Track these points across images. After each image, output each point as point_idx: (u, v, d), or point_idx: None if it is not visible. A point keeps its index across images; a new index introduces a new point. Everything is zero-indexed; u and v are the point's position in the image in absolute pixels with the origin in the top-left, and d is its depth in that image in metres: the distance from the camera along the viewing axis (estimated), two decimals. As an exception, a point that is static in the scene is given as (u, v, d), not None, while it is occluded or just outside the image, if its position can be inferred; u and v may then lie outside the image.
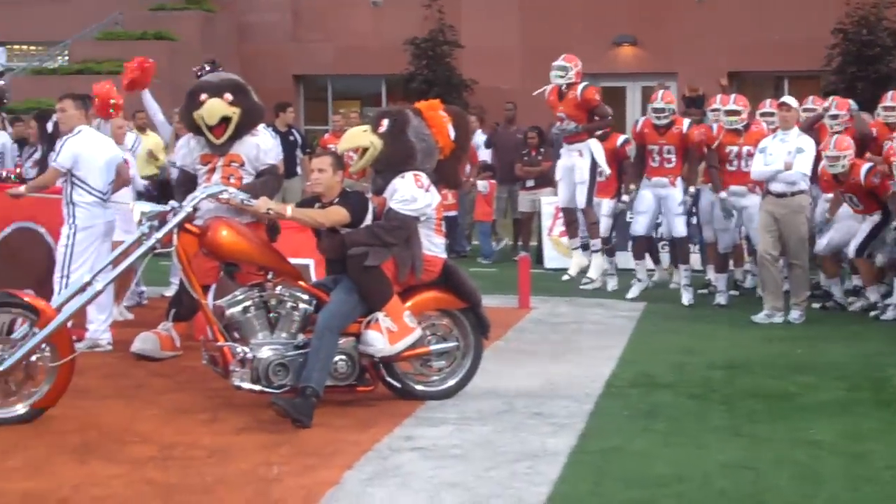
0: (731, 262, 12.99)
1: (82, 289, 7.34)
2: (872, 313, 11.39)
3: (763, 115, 12.71)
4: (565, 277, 13.44)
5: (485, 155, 17.58)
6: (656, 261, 13.75)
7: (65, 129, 9.31)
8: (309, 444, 6.60)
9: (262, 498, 5.63)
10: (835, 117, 11.90)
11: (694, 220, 13.17)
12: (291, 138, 16.49)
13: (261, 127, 9.15)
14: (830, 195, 11.78)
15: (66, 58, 28.02)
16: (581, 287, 12.53)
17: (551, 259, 15.58)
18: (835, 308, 11.90)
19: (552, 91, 12.85)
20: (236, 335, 7.40)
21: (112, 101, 10.94)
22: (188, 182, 9.00)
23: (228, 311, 7.36)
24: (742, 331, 10.76)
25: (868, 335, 10.49)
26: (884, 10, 23.33)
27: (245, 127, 8.85)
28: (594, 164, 12.69)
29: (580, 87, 12.64)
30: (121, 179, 9.54)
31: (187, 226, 7.46)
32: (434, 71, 25.29)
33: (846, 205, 11.53)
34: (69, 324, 7.33)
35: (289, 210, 7.65)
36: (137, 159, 11.77)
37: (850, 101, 12.50)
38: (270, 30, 28.73)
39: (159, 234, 7.35)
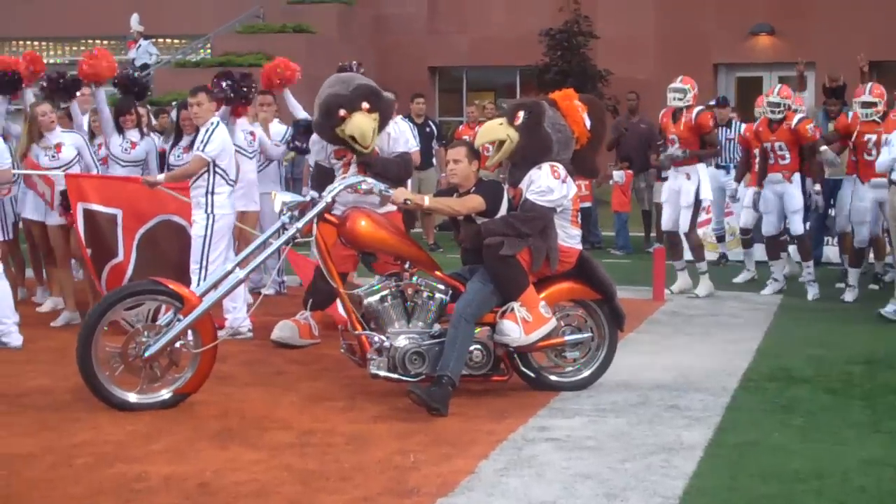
0: (870, 255, 12.75)
1: (225, 276, 7.51)
2: None
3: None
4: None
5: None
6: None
7: (200, 122, 9.49)
8: (445, 433, 6.66)
9: (398, 485, 5.70)
10: None
11: (832, 212, 12.95)
12: (427, 129, 16.61)
13: (398, 118, 9.21)
14: None
15: (209, 51, 28.55)
16: (688, 297, 12.31)
17: (687, 251, 15.41)
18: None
19: (666, 113, 12.59)
20: (373, 324, 7.49)
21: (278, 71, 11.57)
22: (323, 176, 9.12)
23: (366, 301, 7.46)
24: (882, 325, 10.53)
25: None
26: None
27: (383, 126, 8.96)
28: (698, 190, 12.42)
29: (696, 110, 12.35)
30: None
31: (326, 216, 7.57)
32: (569, 62, 25.12)
33: None
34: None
35: (426, 200, 7.70)
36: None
37: None
38: (407, 22, 28.90)
39: (300, 224, 7.46)
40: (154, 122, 12.61)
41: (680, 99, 12.27)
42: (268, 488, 5.65)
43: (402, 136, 9.29)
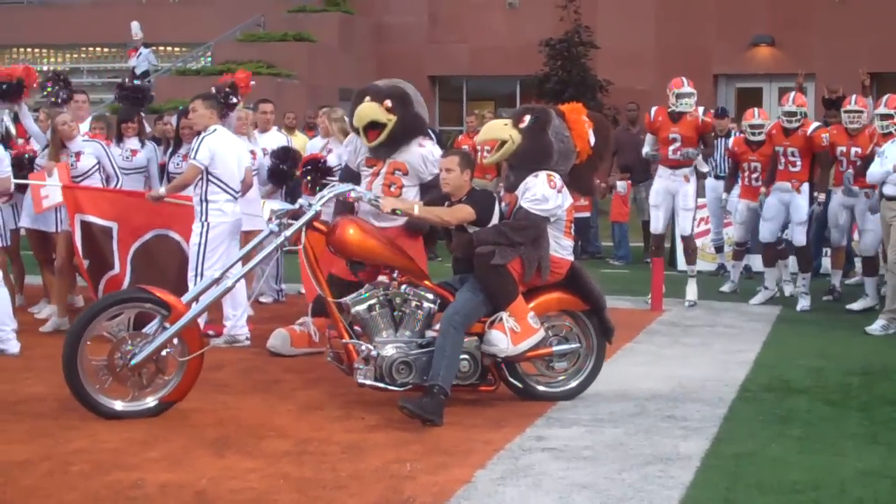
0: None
1: (212, 284, 7.51)
2: None
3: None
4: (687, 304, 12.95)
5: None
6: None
7: (197, 128, 9.51)
8: (441, 443, 6.65)
9: (394, 494, 5.69)
10: None
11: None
12: (428, 139, 16.59)
13: (430, 141, 9.06)
14: None
15: (209, 59, 28.62)
16: (686, 306, 12.29)
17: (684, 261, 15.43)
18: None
19: (660, 111, 12.43)
20: (361, 333, 7.47)
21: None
22: (351, 179, 8.92)
23: (354, 309, 7.42)
24: (880, 337, 10.53)
25: None
26: None
27: (401, 137, 8.68)
28: (696, 190, 12.41)
29: (701, 110, 12.32)
30: (245, 184, 9.72)
31: (315, 224, 7.53)
32: (569, 72, 25.20)
33: None
34: (204, 319, 7.47)
35: (416, 209, 7.64)
36: None
37: None
38: (407, 31, 28.98)
39: (288, 233, 7.44)
40: (149, 129, 12.61)
41: (690, 104, 12.20)
42: (264, 496, 5.64)
43: (434, 161, 8.74)
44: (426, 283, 7.65)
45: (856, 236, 12.95)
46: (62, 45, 32.20)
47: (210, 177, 9.31)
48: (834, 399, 7.96)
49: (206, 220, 9.32)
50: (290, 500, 5.59)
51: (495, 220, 7.64)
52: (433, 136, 10.43)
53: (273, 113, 12.38)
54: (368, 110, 8.58)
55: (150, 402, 7.25)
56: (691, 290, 12.29)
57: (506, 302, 7.43)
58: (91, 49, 32.39)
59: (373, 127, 8.61)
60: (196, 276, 9.15)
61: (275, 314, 11.03)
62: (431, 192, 8.49)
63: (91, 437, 6.72)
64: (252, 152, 10.85)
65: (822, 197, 12.44)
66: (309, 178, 10.67)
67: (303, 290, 11.08)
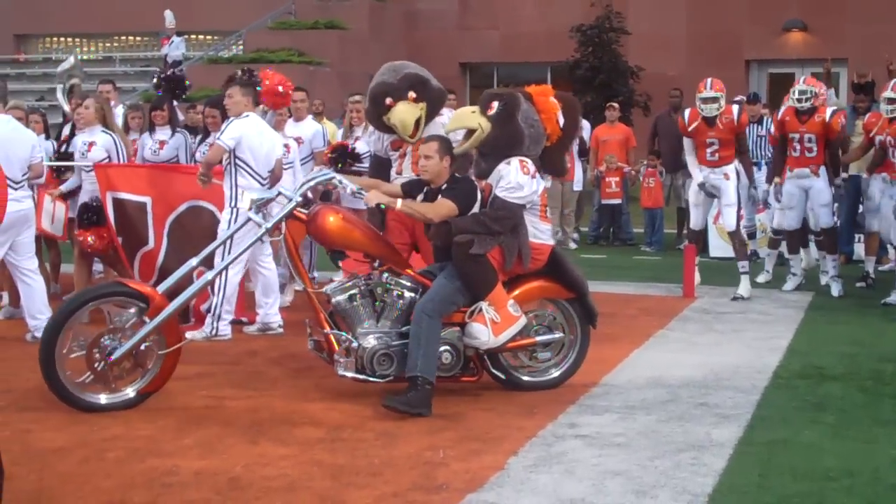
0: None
1: (190, 273, 7.47)
2: None
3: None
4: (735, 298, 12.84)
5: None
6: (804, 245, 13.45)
7: (232, 114, 9.52)
8: (474, 429, 6.67)
9: (427, 481, 5.70)
10: None
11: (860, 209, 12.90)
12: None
13: (446, 109, 9.04)
14: None
15: (241, 47, 28.68)
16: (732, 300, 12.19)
17: (716, 248, 15.40)
18: None
19: (693, 115, 12.22)
20: (342, 323, 7.38)
21: (280, 90, 11.10)
22: (381, 167, 8.96)
23: (334, 299, 7.33)
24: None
25: None
26: None
27: (432, 116, 8.69)
28: (737, 186, 12.29)
29: (736, 109, 12.16)
30: (274, 176, 9.71)
31: (296, 213, 7.44)
32: (600, 58, 25.14)
33: None
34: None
35: (399, 203, 7.43)
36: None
37: None
38: (438, 18, 28.96)
39: (268, 224, 7.39)
40: (182, 118, 12.67)
41: (716, 109, 12.05)
42: (297, 483, 5.67)
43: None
44: (408, 271, 7.53)
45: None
46: (95, 34, 32.39)
47: (238, 161, 9.33)
48: (867, 386, 7.92)
49: (235, 205, 9.35)
50: (324, 486, 5.61)
51: (476, 208, 7.51)
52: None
53: (305, 101, 12.35)
54: (407, 115, 8.49)
55: (130, 392, 7.16)
56: (743, 287, 12.10)
57: (485, 291, 7.31)
58: (124, 38, 32.53)
59: (416, 126, 8.57)
60: (223, 261, 9.11)
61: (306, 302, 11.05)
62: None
63: (126, 424, 6.77)
64: (286, 146, 10.80)
65: (838, 180, 12.32)
66: (339, 164, 10.67)
67: (335, 279, 11.12)
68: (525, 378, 7.76)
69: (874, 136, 11.92)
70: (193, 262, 7.52)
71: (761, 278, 13.17)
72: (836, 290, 12.14)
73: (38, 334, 9.14)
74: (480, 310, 7.30)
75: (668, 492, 5.56)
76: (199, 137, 11.49)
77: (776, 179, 12.43)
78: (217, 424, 6.79)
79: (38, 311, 9.23)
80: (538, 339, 7.70)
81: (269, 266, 9.81)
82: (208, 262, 7.92)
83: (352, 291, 7.35)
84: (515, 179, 7.34)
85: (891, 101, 11.57)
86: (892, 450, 6.32)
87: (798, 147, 12.10)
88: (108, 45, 32.55)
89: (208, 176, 9.49)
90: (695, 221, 12.58)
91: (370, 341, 7.26)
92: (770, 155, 13.80)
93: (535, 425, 6.75)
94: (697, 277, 12.36)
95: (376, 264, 7.47)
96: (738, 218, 12.36)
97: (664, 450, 6.27)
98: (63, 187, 10.59)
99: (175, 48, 26.42)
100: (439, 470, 5.88)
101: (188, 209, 10.13)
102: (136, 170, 10.38)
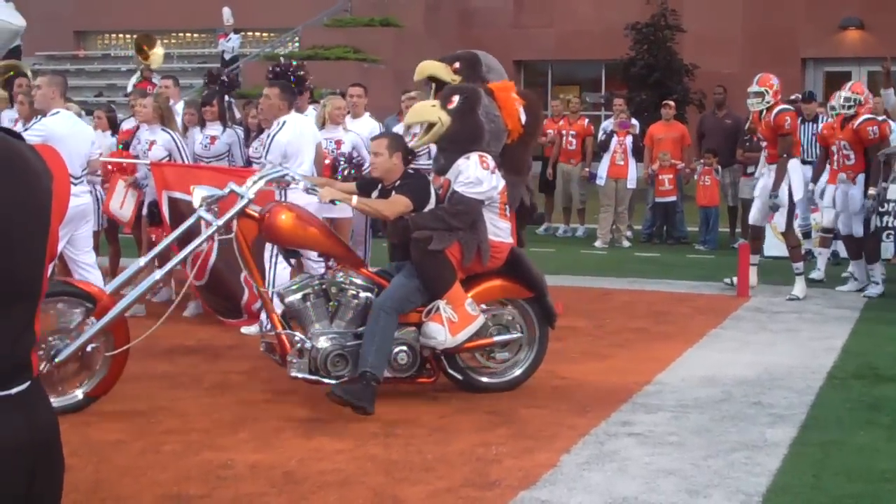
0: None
1: (138, 273, 7.42)
2: None
3: None
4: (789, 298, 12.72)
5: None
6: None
7: (265, 116, 9.47)
8: (527, 427, 6.69)
9: (480, 477, 5.73)
10: None
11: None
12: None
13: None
14: None
15: (297, 44, 28.82)
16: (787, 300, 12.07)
17: (771, 247, 15.28)
18: None
19: (755, 115, 12.23)
20: (295, 323, 7.28)
21: None
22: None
23: (287, 299, 7.22)
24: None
25: None
26: None
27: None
28: (791, 188, 12.17)
29: (775, 110, 12.03)
30: (318, 162, 9.63)
31: (247, 210, 7.31)
32: (655, 56, 25.05)
33: None
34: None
35: (354, 199, 7.38)
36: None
37: None
38: (493, 16, 28.99)
39: (220, 222, 7.25)
40: (238, 115, 12.71)
41: (758, 103, 11.99)
42: (352, 478, 5.71)
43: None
44: (363, 271, 7.44)
45: None
46: (151, 31, 32.58)
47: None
48: (924, 387, 7.87)
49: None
50: (378, 481, 5.66)
51: (431, 204, 7.41)
52: None
53: (362, 97, 12.10)
54: (430, 66, 8.28)
55: (79, 394, 7.00)
56: (798, 287, 11.99)
57: (442, 289, 7.20)
58: (181, 35, 32.77)
59: (437, 86, 8.23)
60: (271, 256, 9.09)
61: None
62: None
63: (181, 417, 6.85)
64: (338, 141, 10.74)
65: (872, 191, 12.21)
66: (345, 172, 10.66)
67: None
68: (483, 379, 7.64)
69: None
70: (141, 261, 7.48)
71: (814, 275, 13.08)
72: (871, 291, 12.04)
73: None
74: (437, 309, 7.18)
75: (721, 491, 5.56)
76: (252, 135, 11.54)
77: (810, 186, 12.42)
78: (272, 418, 6.86)
79: None
80: (496, 338, 7.58)
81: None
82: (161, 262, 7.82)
83: (305, 291, 7.21)
84: (475, 174, 7.25)
85: None
86: (949, 452, 6.28)
87: (837, 154, 12.09)
88: (165, 41, 32.76)
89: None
90: (753, 215, 12.50)
91: (324, 342, 7.10)
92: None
93: (587, 423, 6.76)
94: (753, 278, 12.30)
95: (331, 263, 7.37)
96: (792, 218, 12.27)
97: (717, 449, 6.27)
98: (139, 174, 10.71)
99: (231, 45, 26.59)
100: (492, 467, 5.91)
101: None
102: (191, 170, 10.45)
